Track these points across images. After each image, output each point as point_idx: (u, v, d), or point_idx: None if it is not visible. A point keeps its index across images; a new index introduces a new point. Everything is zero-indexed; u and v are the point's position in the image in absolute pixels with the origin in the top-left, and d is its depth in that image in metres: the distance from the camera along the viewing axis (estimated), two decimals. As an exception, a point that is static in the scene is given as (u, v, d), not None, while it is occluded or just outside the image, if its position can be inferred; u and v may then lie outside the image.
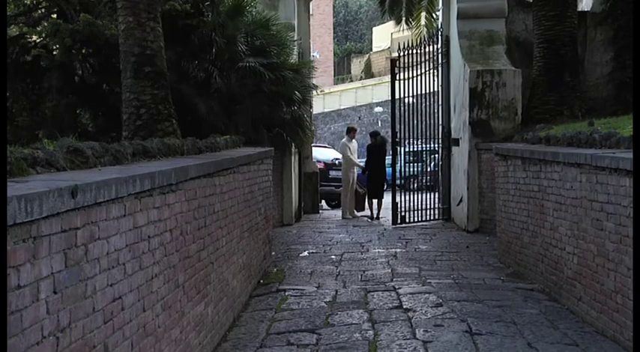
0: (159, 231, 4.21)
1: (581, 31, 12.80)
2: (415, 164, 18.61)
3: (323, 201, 18.25)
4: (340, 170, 17.19)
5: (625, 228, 5.27)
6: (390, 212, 14.32)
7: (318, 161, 18.37)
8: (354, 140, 16.04)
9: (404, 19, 19.18)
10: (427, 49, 14.52)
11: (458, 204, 13.09)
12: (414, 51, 14.29)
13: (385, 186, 15.63)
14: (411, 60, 14.22)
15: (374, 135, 15.84)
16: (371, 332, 5.99)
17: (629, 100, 10.05)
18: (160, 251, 4.22)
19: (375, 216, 15.23)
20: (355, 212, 15.86)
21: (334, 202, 18.26)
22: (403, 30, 19.76)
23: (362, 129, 30.13)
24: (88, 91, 10.90)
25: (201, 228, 5.30)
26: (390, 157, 15.40)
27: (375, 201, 15.27)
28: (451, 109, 13.99)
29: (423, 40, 14.91)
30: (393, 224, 13.95)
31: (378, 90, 37.30)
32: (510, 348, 5.43)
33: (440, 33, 14.55)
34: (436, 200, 14.75)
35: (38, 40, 11.38)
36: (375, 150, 15.42)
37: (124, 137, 7.80)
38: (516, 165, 8.63)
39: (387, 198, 15.26)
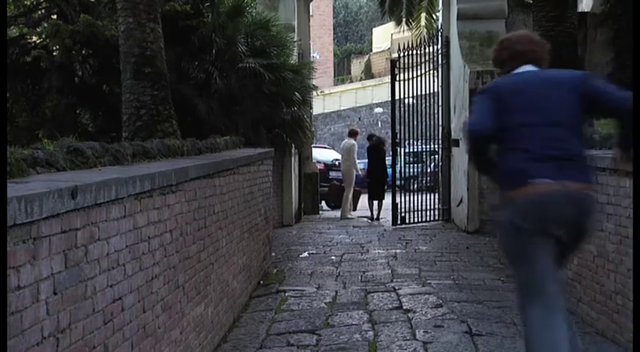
0: (159, 231, 4.20)
1: (582, 32, 12.80)
2: (415, 165, 18.64)
3: (322, 202, 18.27)
4: (340, 170, 17.25)
5: (625, 228, 5.27)
6: (390, 213, 14.32)
7: (318, 162, 18.39)
8: None
9: (404, 19, 19.21)
10: (427, 50, 14.52)
11: (458, 205, 13.08)
12: (414, 52, 14.29)
13: (386, 187, 15.67)
14: (411, 61, 14.22)
15: (370, 138, 16.08)
16: (371, 332, 5.99)
17: (629, 101, 10.04)
18: (160, 252, 4.22)
19: (375, 216, 15.24)
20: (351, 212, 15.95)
21: (334, 203, 18.29)
22: (403, 31, 19.80)
23: (362, 129, 30.12)
24: (88, 92, 10.92)
25: (201, 228, 5.30)
26: (391, 158, 15.45)
27: (375, 202, 15.29)
28: (451, 110, 14.00)
29: (423, 40, 14.91)
30: (393, 225, 13.95)
31: (378, 91, 37.29)
32: (510, 349, 5.43)
33: (440, 34, 14.56)
34: (436, 201, 14.75)
35: (38, 41, 11.40)
36: (374, 151, 15.46)
37: (123, 138, 7.80)
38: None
39: (387, 199, 15.27)
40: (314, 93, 13.68)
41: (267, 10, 13.04)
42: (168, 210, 4.42)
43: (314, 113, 17.31)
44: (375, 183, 15.23)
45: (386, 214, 15.06)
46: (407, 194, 14.20)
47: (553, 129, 3.83)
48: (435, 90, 14.79)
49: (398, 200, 14.08)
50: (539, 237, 3.76)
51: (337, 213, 16.15)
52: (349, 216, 15.59)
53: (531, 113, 3.88)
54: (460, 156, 12.89)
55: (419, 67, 14.18)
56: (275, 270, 9.04)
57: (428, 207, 14.30)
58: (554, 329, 3.66)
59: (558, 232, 3.79)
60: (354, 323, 6.33)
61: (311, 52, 16.75)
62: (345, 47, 59.11)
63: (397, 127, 14.20)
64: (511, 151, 3.87)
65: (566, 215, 3.75)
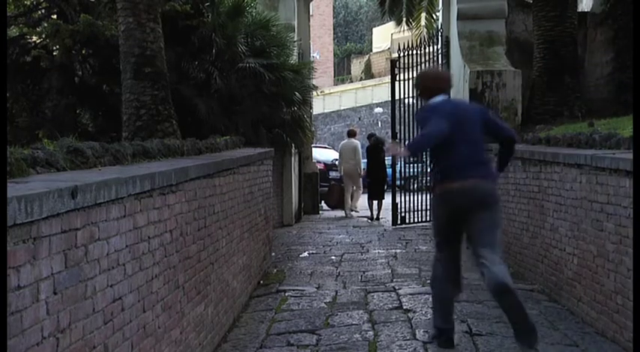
0: (159, 231, 4.20)
1: (581, 32, 12.79)
2: (415, 165, 18.62)
3: (322, 202, 18.28)
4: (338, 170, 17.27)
5: (625, 228, 5.27)
6: (390, 213, 14.32)
7: (318, 162, 18.38)
8: None
9: (404, 19, 19.17)
10: (427, 50, 14.51)
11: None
12: (414, 51, 14.28)
13: (386, 187, 15.67)
14: (411, 60, 14.22)
15: (369, 137, 16.15)
16: (371, 332, 5.99)
17: (629, 101, 10.05)
18: (160, 251, 4.22)
19: (375, 216, 15.24)
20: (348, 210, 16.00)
21: (333, 203, 18.30)
22: (403, 31, 19.76)
23: (362, 129, 30.12)
24: (88, 92, 10.92)
25: (201, 228, 5.30)
26: (390, 158, 15.44)
27: (375, 202, 15.29)
28: (451, 110, 13.97)
29: (422, 40, 14.90)
30: (392, 224, 13.94)
31: (378, 91, 37.25)
32: (510, 349, 5.43)
33: (440, 34, 14.55)
34: (436, 201, 14.73)
35: (38, 41, 11.39)
36: (374, 151, 15.46)
37: (124, 138, 7.81)
38: (516, 166, 8.62)
39: (387, 199, 15.26)
40: (314, 93, 13.67)
41: (267, 10, 13.02)
42: (168, 210, 4.42)
43: (314, 113, 17.30)
44: (375, 182, 15.23)
45: (386, 214, 15.05)
46: (407, 194, 14.19)
47: (470, 145, 5.36)
48: (435, 90, 14.74)
49: (398, 200, 14.08)
50: (451, 215, 5.51)
51: (337, 213, 16.15)
52: (350, 215, 15.60)
53: (459, 131, 5.29)
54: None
55: (419, 67, 14.16)
56: (275, 270, 9.04)
57: (428, 207, 14.27)
58: (448, 269, 5.84)
59: (465, 211, 5.36)
60: (354, 323, 6.33)
61: (311, 52, 16.74)
62: (345, 47, 59.06)
63: (397, 127, 14.20)
64: (444, 158, 5.42)
65: (466, 200, 5.32)
